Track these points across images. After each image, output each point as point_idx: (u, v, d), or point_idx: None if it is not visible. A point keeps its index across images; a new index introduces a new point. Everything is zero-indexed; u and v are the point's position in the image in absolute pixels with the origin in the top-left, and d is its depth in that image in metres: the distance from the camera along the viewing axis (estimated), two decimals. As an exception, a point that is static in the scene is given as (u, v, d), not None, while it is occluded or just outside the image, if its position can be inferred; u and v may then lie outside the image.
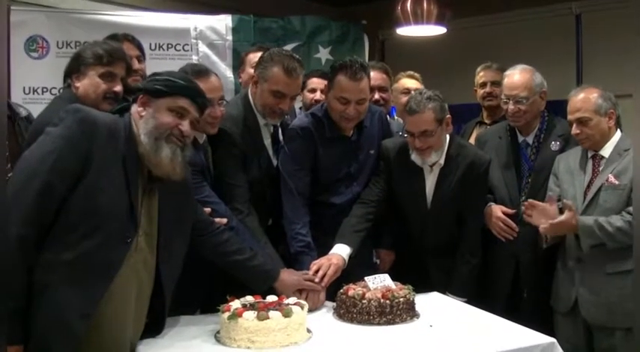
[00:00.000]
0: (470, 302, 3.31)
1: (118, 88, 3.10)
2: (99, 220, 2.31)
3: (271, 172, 3.43)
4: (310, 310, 2.89)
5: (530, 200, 3.36)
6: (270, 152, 3.45)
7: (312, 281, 3.07)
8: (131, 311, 2.47)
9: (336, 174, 3.45)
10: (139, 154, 2.43)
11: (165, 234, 2.56)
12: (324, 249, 3.28)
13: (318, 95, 4.30)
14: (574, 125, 3.31)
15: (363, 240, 3.40)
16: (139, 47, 3.91)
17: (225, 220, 3.05)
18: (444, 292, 3.40)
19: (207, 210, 3.01)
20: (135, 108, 2.49)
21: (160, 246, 2.55)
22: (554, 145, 3.65)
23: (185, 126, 2.48)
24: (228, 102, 3.40)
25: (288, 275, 3.03)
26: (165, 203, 2.56)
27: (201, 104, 2.56)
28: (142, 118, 2.45)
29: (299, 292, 3.02)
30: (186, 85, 2.53)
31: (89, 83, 3.04)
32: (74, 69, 3.08)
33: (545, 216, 3.27)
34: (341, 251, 3.27)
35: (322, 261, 3.18)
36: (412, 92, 3.89)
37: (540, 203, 3.32)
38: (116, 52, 3.10)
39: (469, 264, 3.50)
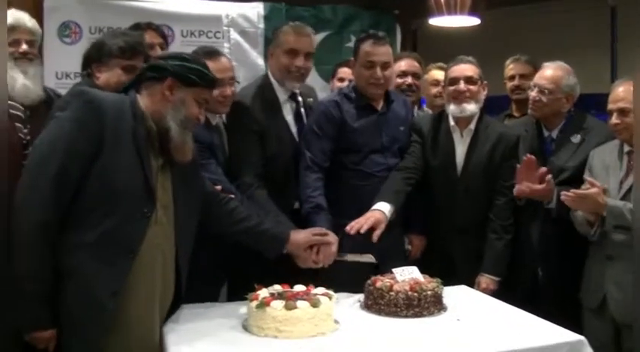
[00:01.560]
0: (496, 293, 3.32)
1: None
2: (116, 198, 2.34)
3: (296, 149, 3.46)
4: (324, 265, 2.98)
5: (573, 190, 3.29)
6: (294, 130, 3.50)
7: (320, 235, 3.04)
8: (158, 284, 2.51)
9: (369, 144, 3.49)
10: (148, 130, 2.45)
11: (180, 206, 2.59)
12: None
13: (346, 84, 4.34)
14: (614, 115, 3.27)
15: (395, 226, 3.42)
16: (163, 35, 3.95)
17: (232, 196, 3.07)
18: (470, 282, 3.38)
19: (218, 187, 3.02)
20: (155, 87, 2.49)
21: (178, 218, 2.58)
22: (575, 138, 3.64)
23: (203, 115, 2.58)
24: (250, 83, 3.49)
25: (296, 235, 3.01)
26: (177, 177, 2.58)
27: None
28: (170, 103, 2.47)
29: (310, 249, 3.00)
30: (214, 79, 2.59)
31: (111, 74, 3.01)
32: (95, 58, 3.08)
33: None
34: (381, 207, 3.30)
35: (361, 218, 3.20)
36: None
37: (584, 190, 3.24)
38: (139, 46, 3.09)
39: (502, 240, 3.52)
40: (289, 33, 3.45)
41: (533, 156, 3.42)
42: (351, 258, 3.13)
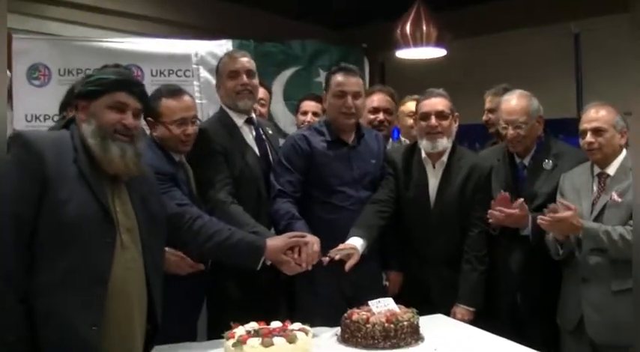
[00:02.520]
0: (474, 320, 3.36)
1: None
2: (72, 230, 2.29)
3: (263, 170, 3.49)
4: (308, 264, 2.96)
5: (552, 205, 3.31)
6: (256, 150, 3.53)
7: (298, 236, 3.02)
8: (137, 314, 2.46)
9: (340, 178, 3.50)
10: (93, 158, 2.41)
11: (145, 230, 2.53)
12: None
13: (309, 117, 4.45)
14: (588, 134, 3.32)
15: (371, 261, 3.44)
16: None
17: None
18: (446, 312, 3.39)
19: None
20: (78, 116, 2.47)
21: (144, 241, 2.51)
22: (547, 164, 3.67)
23: (128, 119, 2.45)
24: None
25: (272, 241, 2.97)
26: (135, 198, 2.53)
27: (139, 93, 2.52)
28: (85, 122, 2.43)
29: (291, 250, 2.97)
30: (119, 79, 2.49)
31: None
32: (68, 102, 3.11)
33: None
34: (354, 242, 3.30)
35: (333, 250, 3.20)
36: None
37: (560, 214, 3.26)
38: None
39: (476, 271, 3.51)
40: (225, 59, 3.61)
41: (506, 194, 3.45)
42: (333, 253, 3.13)
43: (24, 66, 5.02)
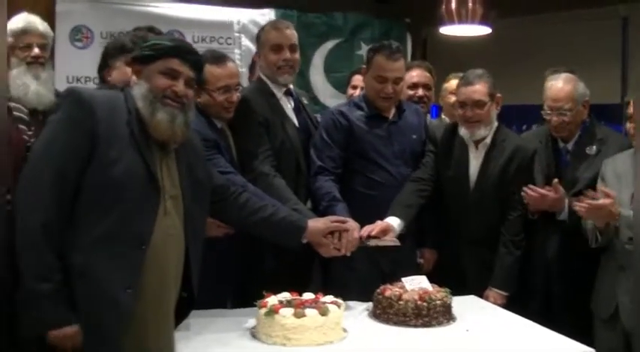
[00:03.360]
0: (507, 304, 3.33)
1: None
2: (118, 191, 2.31)
3: (302, 141, 3.48)
4: (347, 250, 2.97)
5: (590, 192, 3.25)
6: (295, 121, 3.52)
7: (340, 222, 3.02)
8: (172, 280, 2.48)
9: (379, 153, 3.48)
10: (144, 122, 2.42)
11: (188, 199, 2.54)
12: None
13: (357, 91, 4.37)
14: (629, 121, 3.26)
15: (407, 238, 3.42)
16: None
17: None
18: (479, 293, 3.37)
19: None
20: (131, 80, 2.49)
21: (187, 210, 2.53)
22: (590, 149, 3.61)
23: (179, 86, 2.45)
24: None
25: (315, 223, 2.97)
26: (182, 167, 2.54)
27: (193, 62, 2.51)
28: (136, 85, 2.44)
29: (331, 234, 2.97)
30: (175, 45, 2.50)
31: (118, 73, 3.04)
32: (102, 66, 3.13)
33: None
34: (392, 221, 3.30)
35: (369, 226, 3.19)
36: None
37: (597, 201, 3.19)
38: (139, 40, 3.05)
39: (512, 255, 3.48)
40: (270, 31, 3.52)
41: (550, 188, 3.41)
42: (373, 243, 3.12)
43: (67, 27, 5.08)
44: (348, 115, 3.49)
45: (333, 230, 2.97)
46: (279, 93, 3.49)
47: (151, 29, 3.79)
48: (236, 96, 3.22)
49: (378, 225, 3.22)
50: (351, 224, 3.03)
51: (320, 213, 3.24)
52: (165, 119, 2.41)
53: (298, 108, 3.58)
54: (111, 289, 2.28)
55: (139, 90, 2.42)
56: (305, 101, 3.74)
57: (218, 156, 3.11)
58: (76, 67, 5.01)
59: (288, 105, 3.53)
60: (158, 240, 2.38)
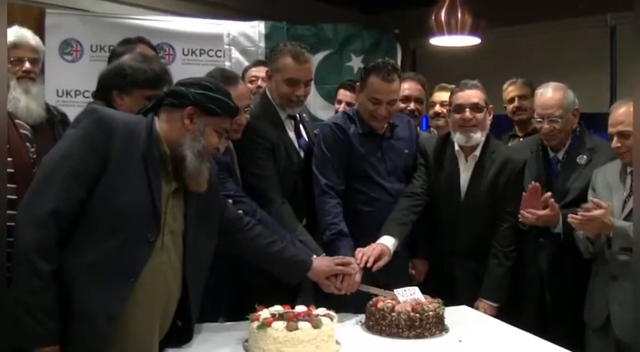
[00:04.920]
0: (499, 313, 3.33)
1: None
2: (119, 220, 2.30)
3: (301, 165, 3.46)
4: (347, 293, 3.00)
5: (585, 205, 3.25)
6: (296, 144, 3.49)
7: (344, 264, 3.04)
8: (158, 313, 2.45)
9: (373, 169, 3.47)
10: (161, 154, 2.42)
11: (193, 233, 2.54)
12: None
13: (342, 107, 4.41)
14: (615, 138, 3.27)
15: (402, 251, 3.43)
16: (154, 49, 3.95)
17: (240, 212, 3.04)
18: (471, 303, 3.38)
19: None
20: (174, 114, 2.45)
21: (188, 244, 2.52)
22: (581, 159, 3.63)
23: (222, 145, 2.53)
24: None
25: (319, 263, 3.00)
26: (191, 201, 2.54)
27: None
28: (189, 132, 2.42)
29: (334, 277, 3.00)
30: (236, 108, 2.57)
31: (133, 103, 2.85)
32: (117, 85, 2.89)
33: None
34: (385, 241, 3.30)
35: (365, 248, 3.21)
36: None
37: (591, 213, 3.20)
38: (165, 75, 2.95)
39: (503, 267, 3.49)
40: (289, 61, 3.35)
41: (537, 184, 3.41)
42: (374, 291, 3.12)
43: (57, 41, 5.08)
44: (346, 130, 3.46)
45: (336, 273, 3.01)
46: (283, 115, 3.45)
47: (140, 40, 3.78)
48: (245, 118, 3.17)
49: (374, 250, 3.21)
50: (354, 267, 3.07)
51: (324, 242, 3.29)
52: (206, 174, 2.46)
53: (299, 129, 3.55)
54: (92, 315, 2.26)
55: (192, 143, 2.42)
56: (306, 117, 3.71)
57: (229, 180, 3.13)
58: (66, 81, 5.02)
59: (291, 127, 3.49)
60: (149, 274, 2.37)
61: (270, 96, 3.45)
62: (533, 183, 3.43)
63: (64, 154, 2.32)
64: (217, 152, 2.54)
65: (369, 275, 3.28)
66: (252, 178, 3.29)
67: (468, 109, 3.48)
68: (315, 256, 3.08)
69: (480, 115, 3.49)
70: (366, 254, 3.17)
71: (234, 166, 3.27)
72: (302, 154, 3.49)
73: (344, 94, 4.49)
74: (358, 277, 3.06)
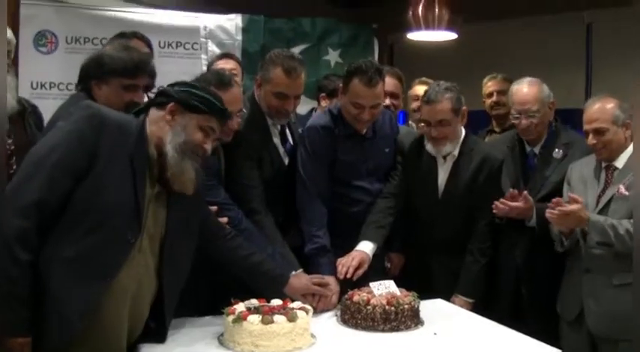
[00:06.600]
0: (475, 307, 3.36)
1: (139, 98, 2.97)
2: (102, 217, 2.30)
3: (283, 171, 3.45)
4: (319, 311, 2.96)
5: (556, 198, 3.27)
6: (281, 151, 3.47)
7: (322, 285, 3.05)
8: (126, 311, 2.44)
9: (355, 170, 3.45)
10: (149, 156, 2.42)
11: (172, 238, 2.53)
12: (349, 247, 3.33)
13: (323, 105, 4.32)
14: (590, 135, 3.29)
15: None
16: (149, 45, 3.89)
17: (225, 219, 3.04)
18: (446, 298, 3.39)
19: (224, 219, 3.00)
20: (159, 113, 2.46)
21: (165, 249, 2.52)
22: (557, 153, 3.65)
23: (209, 145, 2.50)
24: None
25: (296, 280, 3.00)
26: (174, 206, 2.53)
27: (224, 123, 2.60)
28: (171, 128, 2.43)
29: (312, 295, 3.00)
30: (222, 108, 2.54)
31: (111, 93, 2.90)
32: (95, 74, 2.93)
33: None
34: (364, 247, 3.31)
35: (345, 258, 3.22)
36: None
37: (566, 207, 3.22)
38: (142, 64, 2.96)
39: (478, 263, 3.51)
40: (280, 74, 3.26)
41: (515, 191, 3.42)
42: (349, 274, 3.13)
43: (31, 32, 5.00)
44: (332, 131, 3.40)
45: (313, 293, 3.01)
46: (270, 122, 3.41)
47: (134, 35, 3.75)
48: (237, 122, 3.13)
49: (354, 259, 3.22)
50: (332, 288, 3.08)
51: (304, 254, 3.29)
52: (189, 172, 2.44)
53: (285, 134, 3.51)
54: (65, 309, 2.26)
55: (173, 138, 2.42)
56: (293, 119, 3.65)
57: (219, 187, 3.13)
58: (41, 73, 4.96)
59: (276, 135, 3.45)
60: (123, 275, 2.36)
61: (259, 103, 3.40)
62: (511, 190, 3.44)
63: (53, 146, 2.31)
64: (204, 151, 2.49)
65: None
66: (236, 187, 3.26)
67: (433, 127, 3.45)
68: (294, 272, 3.08)
69: (447, 129, 3.45)
70: (345, 265, 3.19)
71: (220, 167, 3.25)
72: (286, 161, 3.47)
73: (324, 100, 4.39)
74: (335, 298, 3.07)
